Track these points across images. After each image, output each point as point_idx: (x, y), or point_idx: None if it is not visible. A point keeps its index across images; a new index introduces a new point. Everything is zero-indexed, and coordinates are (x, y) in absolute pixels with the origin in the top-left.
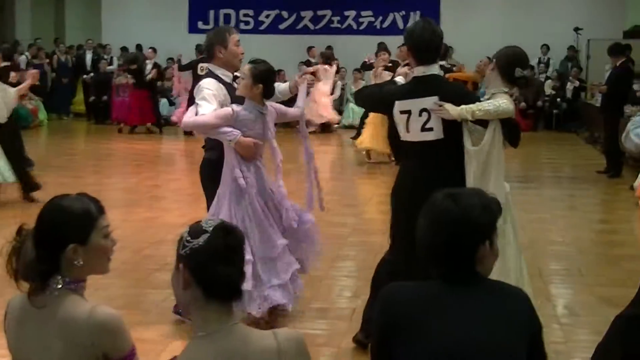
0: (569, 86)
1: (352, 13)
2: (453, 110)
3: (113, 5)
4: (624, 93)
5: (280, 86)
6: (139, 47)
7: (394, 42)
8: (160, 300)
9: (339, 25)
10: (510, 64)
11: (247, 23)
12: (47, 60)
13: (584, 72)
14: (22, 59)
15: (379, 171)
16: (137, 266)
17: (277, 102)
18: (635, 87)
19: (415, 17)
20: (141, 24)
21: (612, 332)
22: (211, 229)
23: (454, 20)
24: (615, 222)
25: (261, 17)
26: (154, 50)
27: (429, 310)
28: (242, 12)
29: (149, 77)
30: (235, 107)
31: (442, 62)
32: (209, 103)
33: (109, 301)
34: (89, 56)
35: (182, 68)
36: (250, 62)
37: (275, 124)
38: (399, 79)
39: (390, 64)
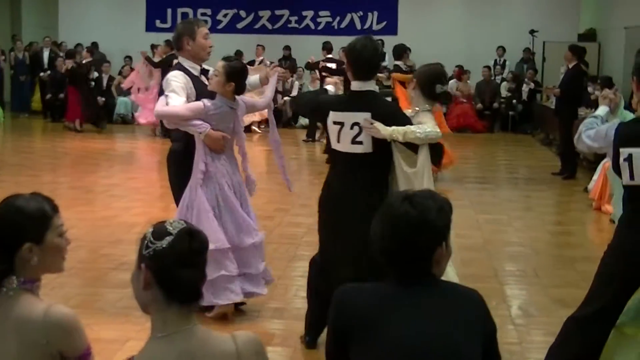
0: (525, 88)
1: (309, 13)
2: (384, 130)
3: (70, 2)
4: (577, 95)
5: (250, 78)
6: (94, 44)
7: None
8: (116, 300)
9: (296, 25)
10: (431, 82)
11: (204, 22)
12: (3, 57)
13: (540, 74)
14: None
15: None
16: (93, 265)
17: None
18: (589, 89)
19: (373, 17)
20: (98, 22)
21: (563, 333)
22: (176, 232)
23: (412, 22)
24: (569, 223)
25: (219, 17)
26: (91, 51)
27: (383, 311)
28: (200, 10)
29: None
30: (206, 101)
31: (399, 63)
32: (178, 95)
33: (64, 300)
34: (46, 54)
35: (156, 65)
36: (224, 59)
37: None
38: (330, 88)
39: (333, 64)
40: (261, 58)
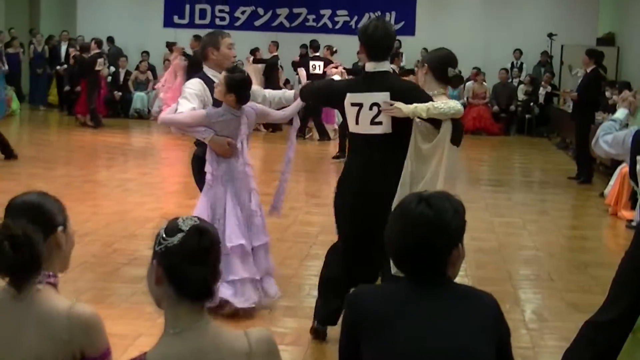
0: (541, 91)
1: (327, 12)
2: (405, 108)
3: None
4: (595, 99)
5: (286, 93)
6: (110, 39)
7: None
8: (129, 295)
9: (314, 24)
10: (443, 65)
11: (222, 19)
12: (22, 50)
13: (557, 77)
14: None
15: None
16: (107, 260)
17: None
18: (607, 94)
19: (391, 17)
20: (116, 17)
21: (579, 338)
22: (187, 228)
23: (429, 22)
24: (584, 228)
25: (237, 13)
26: (98, 43)
27: (396, 312)
28: (217, 7)
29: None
30: (209, 109)
31: (392, 66)
32: (188, 102)
33: (77, 294)
34: (63, 48)
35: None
36: (227, 70)
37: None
38: (336, 77)
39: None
40: (275, 54)
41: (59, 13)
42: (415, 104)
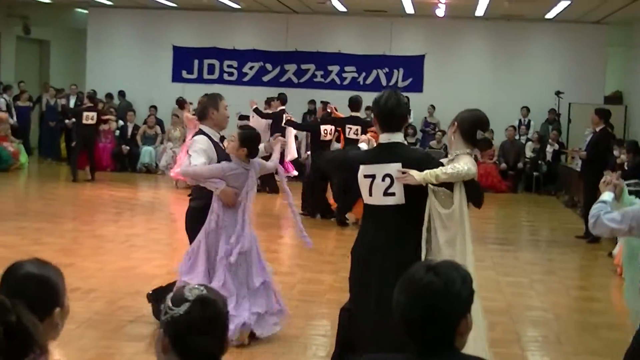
0: (549, 149)
1: (335, 68)
2: (418, 176)
3: (98, 51)
4: (604, 158)
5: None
6: (122, 93)
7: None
8: (133, 354)
9: (322, 80)
10: (472, 127)
11: (230, 74)
12: (30, 104)
13: (565, 135)
14: (1, 102)
15: (356, 227)
16: (111, 317)
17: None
18: (615, 152)
19: (398, 74)
20: (125, 71)
21: None
22: (192, 298)
23: (437, 79)
24: (593, 288)
25: (245, 69)
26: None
27: None
28: (226, 62)
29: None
30: (224, 164)
31: (357, 114)
32: (199, 156)
33: (81, 353)
34: (72, 101)
35: (265, 116)
36: (241, 127)
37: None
38: (363, 145)
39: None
40: (281, 108)
41: (68, 67)
42: (426, 171)
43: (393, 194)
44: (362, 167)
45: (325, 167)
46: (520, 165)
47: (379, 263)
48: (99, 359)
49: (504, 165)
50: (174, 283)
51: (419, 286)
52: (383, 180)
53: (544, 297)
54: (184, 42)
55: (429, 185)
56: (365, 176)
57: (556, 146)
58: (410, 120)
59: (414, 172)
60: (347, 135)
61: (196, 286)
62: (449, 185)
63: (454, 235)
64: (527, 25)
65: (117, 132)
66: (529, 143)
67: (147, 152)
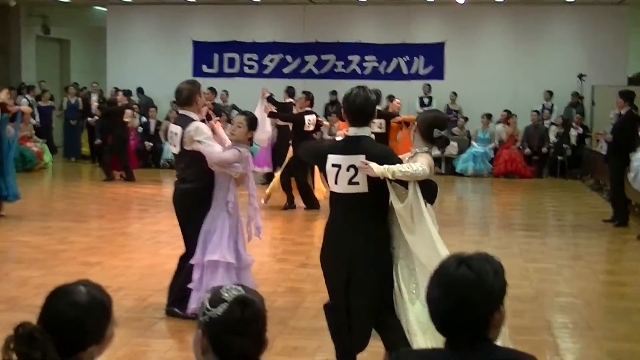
0: (573, 132)
1: (356, 58)
2: (377, 169)
3: (118, 48)
4: (629, 140)
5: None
6: (140, 90)
7: (398, 87)
8: (165, 350)
9: (343, 70)
10: (429, 126)
11: (251, 67)
12: (52, 103)
13: (589, 118)
14: (24, 102)
15: None
16: (141, 314)
17: None
18: None
19: (419, 62)
20: (145, 68)
21: None
22: (230, 299)
23: (458, 66)
24: (622, 273)
25: (265, 61)
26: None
27: None
28: (246, 55)
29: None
30: (241, 148)
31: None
32: (215, 143)
33: (113, 351)
34: (94, 99)
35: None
36: (241, 113)
37: None
38: (339, 138)
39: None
40: (289, 100)
41: (89, 66)
42: (385, 165)
43: (357, 183)
44: (329, 156)
45: (302, 156)
46: (544, 150)
47: (341, 249)
48: (131, 356)
49: (528, 150)
50: (182, 277)
51: (452, 279)
52: (348, 170)
53: (573, 283)
54: (204, 36)
55: (387, 179)
56: (333, 165)
57: (580, 130)
58: (433, 106)
59: (373, 165)
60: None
61: (233, 286)
62: (403, 182)
63: (411, 226)
64: (548, 9)
65: (140, 129)
66: (553, 127)
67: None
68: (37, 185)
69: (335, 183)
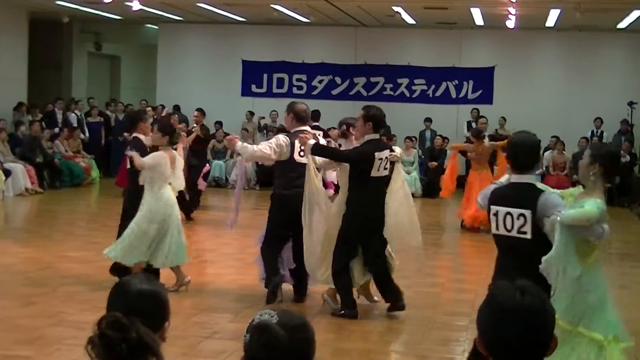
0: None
1: (405, 81)
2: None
3: (168, 66)
4: None
5: None
6: (177, 107)
7: (446, 111)
8: None
9: (391, 93)
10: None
11: (300, 88)
12: (101, 119)
13: (638, 146)
14: (73, 117)
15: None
16: (187, 333)
17: None
18: None
19: (468, 86)
20: (194, 86)
21: None
22: (253, 325)
23: (507, 91)
24: None
25: (314, 82)
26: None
27: None
28: (295, 76)
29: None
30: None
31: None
32: None
33: None
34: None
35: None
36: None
37: None
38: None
39: None
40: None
41: (138, 83)
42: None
43: (386, 169)
44: (376, 153)
45: (348, 160)
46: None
47: (369, 216)
48: None
49: (575, 177)
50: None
51: (520, 307)
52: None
53: (620, 312)
54: (254, 56)
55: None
56: (379, 159)
57: (628, 157)
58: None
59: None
60: None
61: (267, 311)
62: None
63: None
64: (599, 36)
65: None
66: None
67: (217, 166)
68: (85, 200)
69: (378, 170)
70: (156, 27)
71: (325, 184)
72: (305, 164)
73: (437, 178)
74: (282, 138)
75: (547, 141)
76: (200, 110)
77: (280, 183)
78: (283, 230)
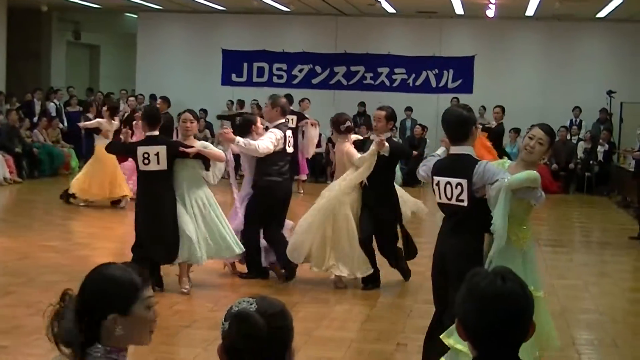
0: (600, 149)
1: (385, 70)
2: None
3: (148, 55)
4: None
5: None
6: (153, 97)
7: (426, 100)
8: (192, 358)
9: (371, 82)
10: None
11: (280, 77)
12: (80, 108)
13: (617, 135)
14: (52, 106)
15: None
16: (167, 322)
17: None
18: None
19: (448, 75)
20: (174, 75)
21: None
22: (232, 314)
23: (487, 80)
24: None
25: (294, 72)
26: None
27: None
28: (275, 65)
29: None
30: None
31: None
32: None
33: (137, 358)
34: (122, 106)
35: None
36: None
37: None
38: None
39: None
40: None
41: (118, 72)
42: None
43: None
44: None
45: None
46: (571, 165)
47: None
48: None
49: (555, 165)
50: None
51: (500, 293)
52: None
53: (599, 299)
54: (234, 45)
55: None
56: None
57: (606, 146)
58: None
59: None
60: None
61: (246, 299)
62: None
63: None
64: (578, 25)
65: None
66: (581, 143)
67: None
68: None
69: None
70: (135, 16)
71: (299, 169)
72: (290, 153)
73: (417, 167)
74: (277, 132)
75: (526, 130)
76: (163, 98)
77: (270, 172)
78: (269, 216)
